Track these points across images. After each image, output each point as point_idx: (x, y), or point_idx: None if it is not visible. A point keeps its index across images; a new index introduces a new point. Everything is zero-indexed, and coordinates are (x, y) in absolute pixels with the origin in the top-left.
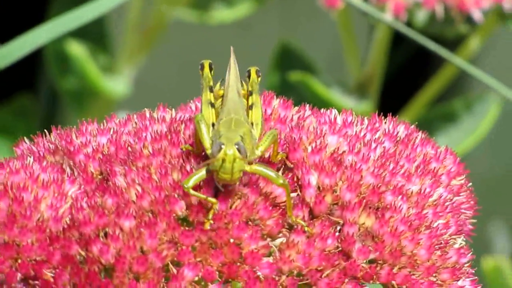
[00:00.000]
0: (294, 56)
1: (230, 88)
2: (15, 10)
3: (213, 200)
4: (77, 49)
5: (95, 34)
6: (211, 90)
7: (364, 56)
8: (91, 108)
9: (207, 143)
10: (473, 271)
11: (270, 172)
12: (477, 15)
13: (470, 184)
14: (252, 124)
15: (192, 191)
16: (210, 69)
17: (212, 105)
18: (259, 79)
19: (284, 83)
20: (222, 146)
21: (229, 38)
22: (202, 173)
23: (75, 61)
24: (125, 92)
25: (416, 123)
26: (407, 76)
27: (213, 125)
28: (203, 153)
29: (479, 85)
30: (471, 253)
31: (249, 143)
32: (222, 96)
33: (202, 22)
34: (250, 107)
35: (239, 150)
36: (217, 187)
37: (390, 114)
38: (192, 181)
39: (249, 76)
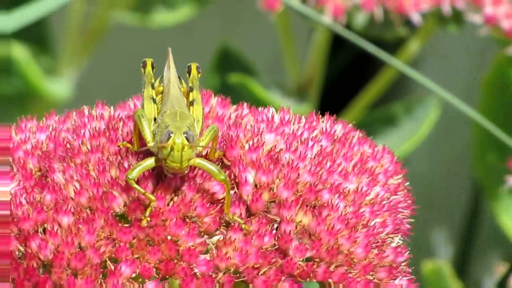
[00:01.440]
0: (234, 58)
1: (171, 84)
2: None
3: (152, 197)
4: (18, 51)
5: (36, 36)
6: (153, 87)
7: (304, 58)
8: (33, 110)
9: (148, 136)
10: (410, 271)
11: (212, 167)
12: (416, 18)
13: (408, 183)
14: (193, 120)
15: (134, 184)
16: (152, 67)
17: (154, 100)
18: (199, 75)
19: (224, 85)
20: (171, 135)
21: (170, 40)
22: (146, 163)
23: (16, 63)
24: (66, 94)
25: (356, 126)
26: (347, 79)
27: (155, 119)
28: (142, 151)
29: (419, 88)
30: (408, 252)
31: (195, 134)
32: (162, 92)
33: (143, 25)
34: (191, 103)
35: (187, 139)
36: (155, 184)
37: (328, 113)
38: (135, 172)
39: (189, 72)
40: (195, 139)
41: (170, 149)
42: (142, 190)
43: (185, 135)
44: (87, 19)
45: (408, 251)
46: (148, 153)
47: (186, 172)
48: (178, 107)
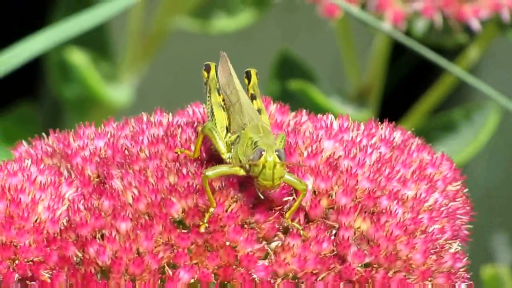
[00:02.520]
0: (294, 65)
1: (240, 92)
2: (16, 17)
3: (214, 202)
4: (78, 57)
5: (96, 42)
6: (219, 93)
7: (364, 65)
8: (92, 116)
9: (222, 148)
10: (469, 276)
11: (295, 180)
12: (475, 24)
13: (466, 190)
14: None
15: (206, 182)
16: (216, 72)
17: (223, 107)
18: (258, 81)
19: (284, 92)
20: (263, 153)
21: (230, 47)
22: (229, 170)
23: (76, 69)
24: (126, 100)
25: (415, 132)
26: (407, 86)
27: (226, 128)
28: (200, 158)
29: (478, 94)
30: (466, 258)
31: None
32: (224, 99)
33: (203, 31)
34: (258, 112)
35: (279, 157)
36: (213, 190)
37: (387, 120)
38: (212, 172)
39: (247, 78)
40: (284, 156)
41: (262, 167)
42: (210, 193)
43: (276, 153)
44: (147, 25)
45: (467, 257)
46: (207, 161)
47: (277, 189)
48: (256, 119)
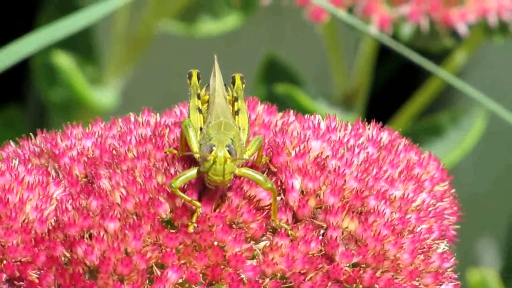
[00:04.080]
0: (281, 68)
1: (216, 93)
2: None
3: (198, 203)
4: (64, 61)
5: (82, 45)
6: (199, 97)
7: (350, 69)
8: (78, 119)
9: (195, 146)
10: (456, 277)
11: (258, 176)
12: (462, 29)
13: (454, 191)
14: (239, 129)
15: (178, 192)
16: (198, 78)
17: (200, 110)
18: (244, 85)
19: (270, 96)
20: (213, 148)
21: (215, 50)
22: (190, 173)
23: (62, 73)
24: (112, 103)
25: (402, 136)
26: (393, 89)
27: (200, 129)
28: (188, 157)
29: (465, 98)
30: (454, 258)
31: (238, 146)
32: (208, 101)
33: (189, 34)
34: (236, 113)
35: (230, 152)
36: (201, 190)
37: (374, 120)
38: (179, 181)
39: (233, 83)
40: (238, 151)
41: (212, 162)
42: (187, 198)
43: (227, 148)
44: (132, 28)
45: (454, 257)
46: (195, 161)
47: (228, 184)
48: (223, 117)
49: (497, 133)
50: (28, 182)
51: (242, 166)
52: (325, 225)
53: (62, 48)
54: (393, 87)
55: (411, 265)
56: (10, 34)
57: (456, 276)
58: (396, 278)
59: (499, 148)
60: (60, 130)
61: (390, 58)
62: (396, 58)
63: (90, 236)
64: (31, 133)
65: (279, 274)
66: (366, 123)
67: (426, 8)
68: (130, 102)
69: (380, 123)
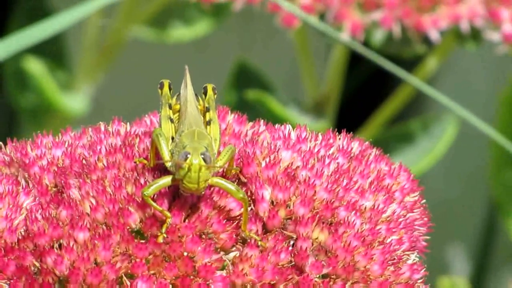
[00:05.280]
0: (251, 75)
1: (188, 103)
2: None
3: (168, 213)
4: (34, 66)
5: (53, 51)
6: (170, 107)
7: (321, 75)
8: (49, 125)
9: (166, 155)
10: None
11: (230, 186)
12: (434, 35)
13: (424, 201)
14: (211, 138)
15: (150, 200)
16: (169, 88)
17: (171, 120)
18: (215, 96)
19: (241, 102)
20: (188, 156)
21: (187, 56)
22: (163, 181)
23: (32, 78)
24: (82, 109)
25: (373, 142)
26: (364, 96)
27: (172, 138)
28: (158, 167)
29: (436, 105)
30: (424, 269)
31: (212, 155)
32: (179, 110)
33: (159, 40)
34: (208, 123)
35: (204, 160)
36: (171, 200)
37: (345, 130)
38: (151, 189)
39: (205, 93)
40: (212, 159)
41: (187, 169)
42: (159, 207)
43: (202, 156)
44: (103, 34)
45: (425, 268)
46: (165, 171)
47: (203, 193)
48: (196, 126)
49: (468, 139)
50: None
51: (213, 175)
52: (295, 236)
53: (33, 54)
54: (364, 93)
55: (381, 277)
56: None
57: (427, 287)
58: None
59: (469, 154)
60: (30, 139)
61: (361, 64)
62: (367, 65)
63: (60, 246)
64: (0, 142)
65: (249, 285)
66: (337, 133)
67: (399, 14)
68: (101, 108)
69: (351, 133)
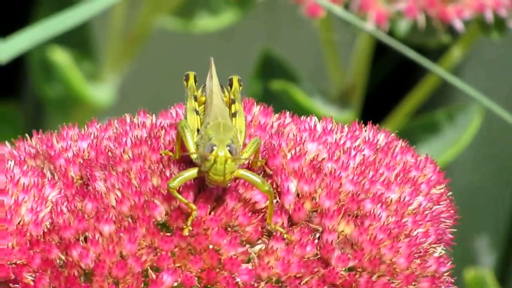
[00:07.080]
0: (277, 65)
1: (214, 94)
2: None
3: (193, 206)
4: (61, 56)
5: (79, 41)
6: (196, 99)
7: (346, 65)
8: (75, 116)
9: (191, 147)
10: (453, 281)
11: (256, 178)
12: (458, 25)
13: (451, 193)
14: (237, 130)
15: (175, 193)
16: (195, 80)
17: (197, 112)
18: (241, 88)
19: (266, 92)
20: (214, 148)
21: (212, 46)
22: (189, 173)
23: (59, 69)
24: (109, 99)
25: (398, 133)
26: (390, 86)
27: (197, 130)
28: (184, 159)
29: (462, 95)
30: (450, 262)
31: (238, 147)
32: (205, 102)
33: (185, 30)
34: (233, 115)
35: (230, 152)
36: (196, 193)
37: (371, 122)
38: (177, 182)
39: (230, 85)
40: (238, 151)
41: (213, 161)
42: (184, 200)
43: (228, 148)
44: (129, 24)
45: (451, 261)
46: (191, 163)
47: (228, 185)
48: (221, 118)
49: (493, 130)
50: (24, 184)
51: (238, 168)
52: (320, 229)
53: (59, 44)
54: (390, 83)
55: (408, 270)
56: (6, 29)
57: (453, 280)
58: (393, 283)
59: (495, 145)
60: (55, 131)
61: (387, 55)
62: (393, 55)
63: (85, 239)
64: (26, 134)
65: (274, 278)
66: (363, 124)
67: (423, 4)
68: (127, 99)
69: (377, 125)
